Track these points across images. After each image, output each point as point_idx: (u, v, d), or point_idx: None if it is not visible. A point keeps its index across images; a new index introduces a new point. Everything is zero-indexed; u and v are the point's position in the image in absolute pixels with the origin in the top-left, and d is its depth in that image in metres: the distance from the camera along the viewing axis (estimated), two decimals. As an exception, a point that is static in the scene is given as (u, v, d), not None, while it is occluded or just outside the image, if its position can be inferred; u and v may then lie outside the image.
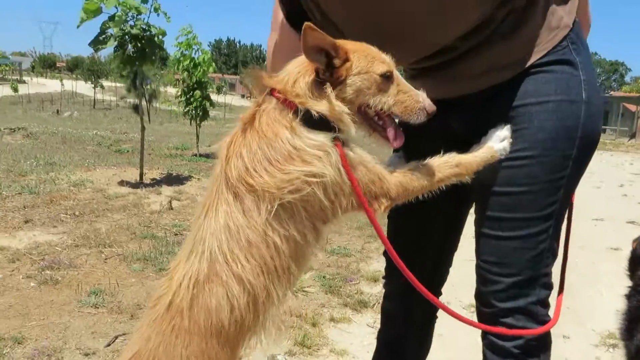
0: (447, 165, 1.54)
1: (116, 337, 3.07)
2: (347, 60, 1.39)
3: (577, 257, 5.31)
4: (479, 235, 1.70)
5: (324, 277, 4.31)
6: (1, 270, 3.98)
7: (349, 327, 3.54)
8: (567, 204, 1.63)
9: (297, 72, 1.40)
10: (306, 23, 1.29)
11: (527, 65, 1.53)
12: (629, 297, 2.02)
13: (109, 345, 2.99)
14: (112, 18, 6.62)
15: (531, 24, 1.51)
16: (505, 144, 1.55)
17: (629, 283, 2.03)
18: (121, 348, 2.96)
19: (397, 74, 1.46)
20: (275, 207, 1.32)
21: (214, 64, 11.66)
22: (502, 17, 1.50)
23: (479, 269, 1.70)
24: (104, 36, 6.73)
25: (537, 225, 1.57)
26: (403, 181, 1.49)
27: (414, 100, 1.44)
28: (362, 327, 3.54)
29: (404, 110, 1.44)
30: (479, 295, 1.72)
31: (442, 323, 2.12)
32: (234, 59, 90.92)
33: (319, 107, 1.37)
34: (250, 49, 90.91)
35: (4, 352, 2.79)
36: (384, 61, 1.43)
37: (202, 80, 11.15)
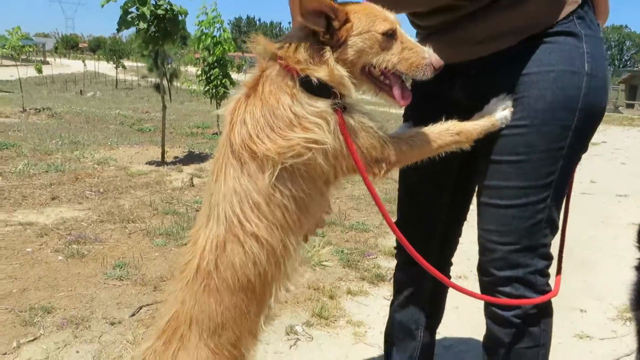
0: (448, 133, 1.57)
1: (140, 308, 3.18)
2: (347, 21, 1.39)
3: (597, 232, 5.28)
4: (479, 204, 1.74)
5: (342, 251, 4.37)
6: (30, 244, 4.13)
7: (366, 299, 3.60)
8: (568, 175, 1.63)
9: (298, 37, 1.42)
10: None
11: (530, 34, 1.54)
12: (638, 268, 2.03)
13: (133, 315, 3.10)
14: (141, 1, 6.66)
15: None
16: (506, 113, 1.57)
17: (638, 255, 2.04)
18: (145, 318, 3.07)
19: (401, 31, 1.45)
20: (278, 171, 1.38)
21: (233, 42, 11.66)
22: None
23: (479, 238, 1.74)
24: (129, 16, 6.78)
25: (535, 195, 1.58)
26: (403, 147, 1.53)
27: (419, 57, 1.43)
28: (379, 299, 3.60)
29: (410, 66, 1.43)
30: (479, 265, 1.76)
31: (458, 296, 2.16)
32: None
33: (319, 72, 1.38)
34: (270, 27, 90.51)
35: (35, 321, 2.92)
36: (386, 19, 1.42)
37: (222, 58, 11.18)
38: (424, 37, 1.75)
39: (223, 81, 11.28)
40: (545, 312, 1.71)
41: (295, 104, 1.38)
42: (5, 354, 2.63)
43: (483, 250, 1.72)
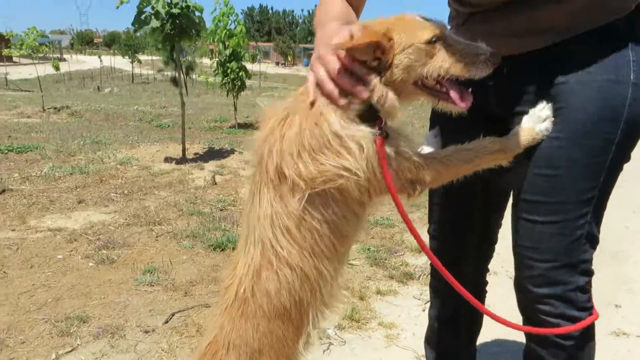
0: (486, 150, 1.51)
1: (173, 314, 3.21)
2: (390, 40, 1.34)
3: (629, 222, 5.17)
4: (515, 219, 1.67)
5: (368, 249, 4.36)
6: (61, 250, 4.19)
7: (396, 299, 3.58)
8: (609, 189, 1.56)
9: None
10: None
11: (572, 35, 1.45)
12: None
13: (166, 322, 3.13)
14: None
15: None
16: (547, 124, 1.49)
17: None
18: (178, 325, 3.10)
19: (446, 33, 1.39)
20: (307, 196, 1.36)
21: (246, 34, 11.62)
22: None
23: (515, 253, 1.68)
24: (144, 15, 6.79)
25: (574, 211, 1.52)
26: (439, 167, 1.49)
27: (472, 55, 1.36)
28: (409, 299, 3.58)
29: (464, 68, 1.36)
30: (516, 281, 1.70)
31: (490, 296, 2.14)
32: (266, 26, 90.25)
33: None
34: (282, 15, 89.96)
35: (71, 331, 2.97)
36: (425, 27, 1.37)
37: (238, 50, 11.15)
38: (459, 23, 1.68)
39: (240, 74, 11.27)
40: (588, 333, 1.65)
41: (335, 123, 1.35)
42: (44, 365, 2.68)
43: (520, 266, 1.66)
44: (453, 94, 1.40)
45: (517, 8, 1.48)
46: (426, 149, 1.75)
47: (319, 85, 1.39)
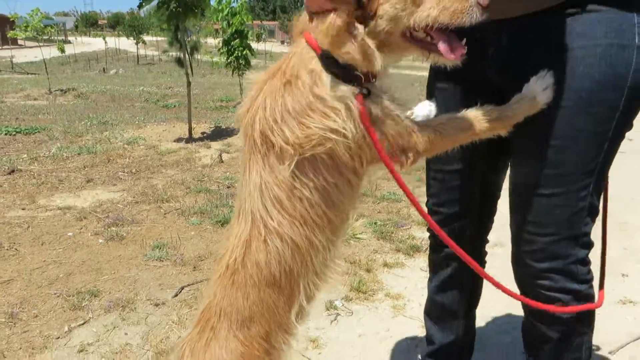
0: (484, 119, 1.45)
1: (182, 288, 3.25)
2: None
3: (636, 193, 5.14)
4: (514, 191, 1.64)
5: (375, 223, 4.37)
6: (71, 228, 4.24)
7: (403, 271, 3.61)
8: (611, 158, 1.53)
9: (330, 16, 1.29)
10: None
11: None
12: None
13: (176, 295, 3.18)
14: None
15: None
16: (549, 93, 1.44)
17: None
18: (187, 298, 3.15)
19: None
20: (296, 161, 1.31)
21: (249, 11, 11.51)
22: None
23: (513, 227, 1.65)
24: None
25: (578, 182, 1.49)
26: (433, 135, 1.42)
27: (461, 0, 1.25)
28: (416, 271, 3.61)
29: (453, 15, 1.26)
30: (514, 256, 1.68)
31: (495, 267, 2.14)
32: (271, 4, 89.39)
33: (343, 49, 1.28)
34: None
35: (82, 305, 3.02)
36: None
37: (241, 29, 11.06)
38: None
39: (244, 52, 11.20)
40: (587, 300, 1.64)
41: (317, 83, 1.29)
42: (58, 337, 2.74)
43: (518, 241, 1.64)
44: (441, 46, 1.30)
45: None
46: (419, 118, 1.68)
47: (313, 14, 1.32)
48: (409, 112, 1.45)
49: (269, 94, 1.34)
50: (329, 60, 1.29)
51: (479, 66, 1.60)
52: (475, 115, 1.46)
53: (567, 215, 1.52)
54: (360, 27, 1.27)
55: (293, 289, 1.48)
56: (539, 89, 1.45)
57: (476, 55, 1.57)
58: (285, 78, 1.33)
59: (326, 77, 1.29)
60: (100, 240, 3.99)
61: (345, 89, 1.30)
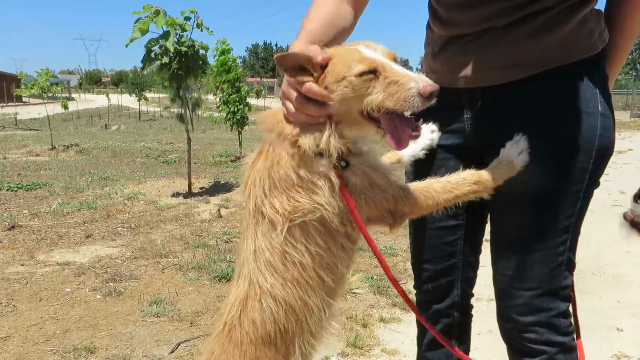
0: (465, 183, 1.54)
1: (179, 344, 3.26)
2: (320, 66, 1.36)
3: (630, 246, 5.18)
4: (495, 248, 1.71)
5: (371, 277, 4.41)
6: (69, 284, 4.26)
7: (399, 326, 3.62)
8: (583, 215, 1.62)
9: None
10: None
11: (548, 68, 1.52)
12: None
13: (172, 352, 3.18)
14: (164, 36, 6.89)
15: (565, 29, 1.50)
16: (524, 157, 1.53)
17: None
18: (184, 354, 3.15)
19: (385, 65, 1.34)
20: (287, 228, 1.41)
21: (245, 68, 11.79)
22: (542, 9, 1.47)
23: (496, 282, 1.71)
24: (152, 54, 7.02)
25: (555, 238, 1.57)
26: (418, 199, 1.50)
27: (405, 88, 1.29)
28: (412, 326, 3.57)
29: (397, 102, 1.30)
30: (499, 310, 1.73)
31: (492, 320, 2.17)
32: (271, 62, 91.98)
33: (304, 139, 1.39)
34: (286, 51, 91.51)
35: (79, 362, 3.02)
36: (362, 60, 1.34)
37: (238, 85, 11.34)
38: (435, 51, 1.71)
39: (240, 107, 11.42)
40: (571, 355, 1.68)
41: (298, 164, 1.40)
42: (53, 396, 2.73)
43: (503, 295, 1.70)
44: (388, 138, 1.35)
45: (496, 41, 1.56)
46: (420, 142, 1.76)
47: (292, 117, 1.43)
48: (392, 175, 1.53)
49: (258, 173, 1.47)
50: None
51: (458, 128, 1.71)
52: (457, 179, 1.55)
53: (546, 270, 1.60)
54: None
55: (289, 348, 1.53)
56: (514, 153, 1.54)
57: (454, 120, 1.69)
58: (269, 162, 1.44)
59: (304, 156, 1.40)
60: (98, 296, 4.01)
61: (324, 164, 1.40)
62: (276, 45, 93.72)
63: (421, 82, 1.30)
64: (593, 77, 1.54)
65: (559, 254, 1.59)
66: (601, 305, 3.78)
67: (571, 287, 1.69)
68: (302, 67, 1.36)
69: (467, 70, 1.63)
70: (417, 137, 1.39)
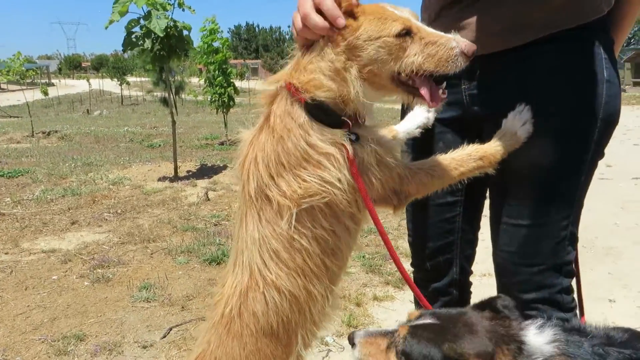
0: (470, 159, 1.48)
1: (170, 329, 3.20)
2: (356, 20, 1.27)
3: (618, 219, 5.22)
4: (496, 223, 1.65)
5: (363, 256, 4.37)
6: (56, 271, 4.17)
7: (393, 304, 3.60)
8: (586, 188, 1.57)
9: (303, 52, 1.33)
10: None
11: (550, 32, 1.44)
12: None
13: (164, 337, 3.12)
14: (146, 17, 6.68)
15: None
16: (528, 127, 1.47)
17: None
18: (176, 339, 3.09)
19: (418, 25, 1.30)
20: (295, 214, 1.32)
21: (230, 48, 11.60)
22: None
23: (498, 258, 1.66)
24: (133, 36, 6.83)
25: (559, 212, 1.52)
26: (423, 178, 1.44)
27: (446, 48, 1.26)
28: (406, 303, 3.59)
29: (438, 62, 1.27)
30: (499, 287, 1.68)
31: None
32: (254, 43, 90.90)
33: (328, 88, 1.29)
34: (269, 32, 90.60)
35: (68, 350, 2.95)
36: (396, 18, 1.28)
37: (224, 66, 11.15)
38: (432, 15, 1.64)
39: (228, 89, 11.27)
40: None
41: (308, 133, 1.30)
42: (43, 385, 2.67)
43: (503, 272, 1.65)
44: (424, 92, 1.31)
45: (495, 3, 1.48)
46: (417, 120, 1.71)
47: (302, 31, 1.31)
48: (398, 152, 1.47)
49: (260, 150, 1.36)
50: (315, 108, 1.31)
51: (455, 100, 1.64)
52: (462, 155, 1.49)
53: (550, 246, 1.55)
54: (342, 60, 1.28)
55: (291, 338, 1.47)
56: (518, 124, 1.48)
57: (450, 90, 1.62)
58: (276, 133, 1.33)
59: (315, 125, 1.31)
60: (86, 283, 3.93)
61: (335, 132, 1.32)
62: (258, 26, 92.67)
63: (461, 41, 1.26)
64: (599, 41, 1.47)
65: (563, 228, 1.54)
66: (593, 278, 3.79)
67: (575, 261, 1.65)
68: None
69: (465, 37, 1.56)
70: (445, 99, 1.35)
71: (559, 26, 1.46)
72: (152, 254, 4.56)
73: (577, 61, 1.47)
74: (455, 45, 1.27)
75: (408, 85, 1.34)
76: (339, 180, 1.31)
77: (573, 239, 1.60)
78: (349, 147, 1.32)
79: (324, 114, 1.32)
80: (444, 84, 1.36)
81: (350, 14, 1.27)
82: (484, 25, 1.51)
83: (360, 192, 1.34)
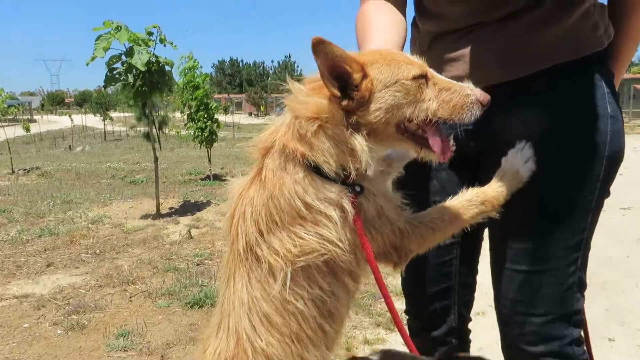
0: (472, 205, 1.37)
1: (148, 381, 2.99)
2: (365, 76, 1.18)
3: (611, 251, 5.15)
4: (498, 269, 1.53)
5: (352, 296, 4.21)
6: (28, 319, 3.94)
7: (384, 348, 3.42)
8: (593, 230, 1.46)
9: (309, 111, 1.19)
10: (314, 37, 1.11)
11: (549, 65, 1.36)
12: None
13: (141, 390, 2.91)
14: (128, 53, 6.61)
15: (568, 22, 1.35)
16: (530, 165, 1.37)
17: None
18: (154, 392, 2.89)
19: (431, 72, 1.24)
20: (289, 273, 1.19)
21: (213, 85, 11.56)
22: None
23: (501, 308, 1.53)
24: (115, 72, 6.75)
25: (566, 256, 1.41)
26: (425, 233, 1.33)
27: (462, 95, 1.20)
28: (397, 347, 3.42)
29: (453, 110, 1.20)
30: (504, 339, 1.55)
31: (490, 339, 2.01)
32: (237, 78, 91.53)
33: (329, 153, 1.17)
34: (253, 67, 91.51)
35: (36, 408, 2.73)
36: (411, 62, 1.22)
37: (206, 101, 11.09)
38: (424, 47, 1.54)
39: (208, 124, 11.16)
40: None
41: (305, 190, 1.18)
42: None
43: (508, 322, 1.52)
44: (434, 142, 1.22)
45: (490, 34, 1.40)
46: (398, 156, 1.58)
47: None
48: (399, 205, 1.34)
49: (248, 203, 1.23)
50: (314, 166, 1.20)
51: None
52: (462, 202, 1.38)
53: (558, 293, 1.43)
54: (354, 134, 1.18)
55: None
56: (519, 162, 1.38)
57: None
58: (267, 189, 1.21)
59: (313, 180, 1.19)
60: (59, 331, 3.70)
61: (337, 190, 1.20)
62: (242, 61, 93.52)
63: (476, 89, 1.21)
64: (600, 74, 1.39)
65: (570, 274, 1.42)
66: (590, 315, 3.64)
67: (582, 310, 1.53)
68: (335, 70, 1.16)
69: (459, 69, 1.46)
70: (454, 150, 1.27)
71: (558, 59, 1.38)
72: (131, 297, 4.35)
73: (579, 95, 1.39)
74: (470, 92, 1.20)
75: (416, 135, 1.24)
76: (340, 239, 1.19)
77: (581, 286, 1.48)
78: (349, 207, 1.20)
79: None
80: (452, 135, 1.29)
81: (363, 75, 1.18)
82: (479, 57, 1.43)
83: (364, 249, 1.21)
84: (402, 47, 1.43)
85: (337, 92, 1.16)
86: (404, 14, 1.52)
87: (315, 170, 1.20)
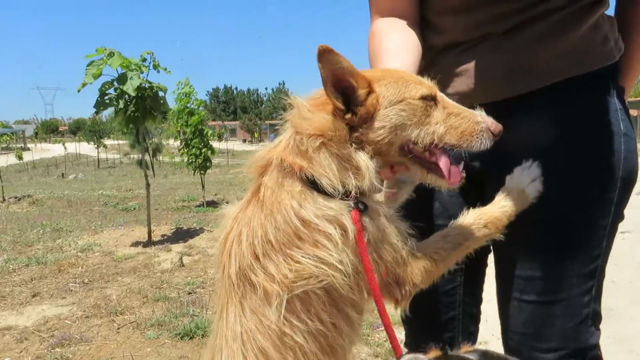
0: (475, 228, 1.27)
1: (134, 419, 2.82)
2: (370, 92, 1.11)
3: (614, 276, 5.02)
4: (504, 299, 1.42)
5: (349, 325, 4.06)
6: (9, 352, 3.75)
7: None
8: (607, 256, 1.36)
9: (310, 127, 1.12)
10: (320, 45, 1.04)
11: (556, 80, 1.28)
12: None
13: None
14: (120, 79, 6.55)
15: (576, 34, 1.28)
16: (537, 185, 1.28)
17: None
18: None
19: (441, 95, 1.18)
20: (286, 301, 1.08)
21: (208, 113, 11.57)
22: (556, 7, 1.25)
23: (509, 342, 1.42)
24: (106, 98, 6.68)
25: (579, 286, 1.31)
26: (428, 265, 1.22)
27: (472, 122, 1.14)
28: (398, 379, 3.27)
29: (461, 136, 1.13)
30: None
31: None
32: (232, 105, 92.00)
33: (330, 170, 1.09)
34: (247, 94, 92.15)
35: None
36: (420, 82, 1.16)
37: (201, 127, 11.03)
38: (428, 62, 1.46)
39: (203, 150, 11.09)
40: None
41: (302, 206, 1.09)
42: None
43: (517, 357, 1.41)
44: (443, 166, 1.14)
45: (495, 48, 1.32)
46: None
47: None
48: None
49: (245, 225, 1.14)
50: (312, 178, 1.11)
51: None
52: (465, 226, 1.27)
53: (570, 326, 1.32)
54: (357, 150, 1.11)
55: None
56: (525, 181, 1.28)
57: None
58: (266, 207, 1.12)
59: (313, 196, 1.10)
60: (42, 365, 3.52)
61: (337, 206, 1.10)
62: (236, 88, 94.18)
63: (487, 118, 1.14)
64: (613, 90, 1.31)
65: (584, 305, 1.31)
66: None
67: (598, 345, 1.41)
68: (340, 83, 1.09)
69: (462, 85, 1.38)
70: (464, 176, 1.19)
71: (567, 73, 1.29)
72: (118, 328, 4.17)
73: (590, 112, 1.30)
74: (481, 120, 1.13)
75: (424, 159, 1.16)
76: (340, 262, 1.08)
77: (596, 318, 1.36)
78: (350, 224, 1.09)
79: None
80: (462, 163, 1.21)
81: (368, 90, 1.12)
82: (484, 71, 1.34)
83: (366, 272, 1.09)
84: (417, 67, 1.34)
85: (340, 105, 1.09)
86: (417, 31, 1.43)
87: (313, 184, 1.10)
